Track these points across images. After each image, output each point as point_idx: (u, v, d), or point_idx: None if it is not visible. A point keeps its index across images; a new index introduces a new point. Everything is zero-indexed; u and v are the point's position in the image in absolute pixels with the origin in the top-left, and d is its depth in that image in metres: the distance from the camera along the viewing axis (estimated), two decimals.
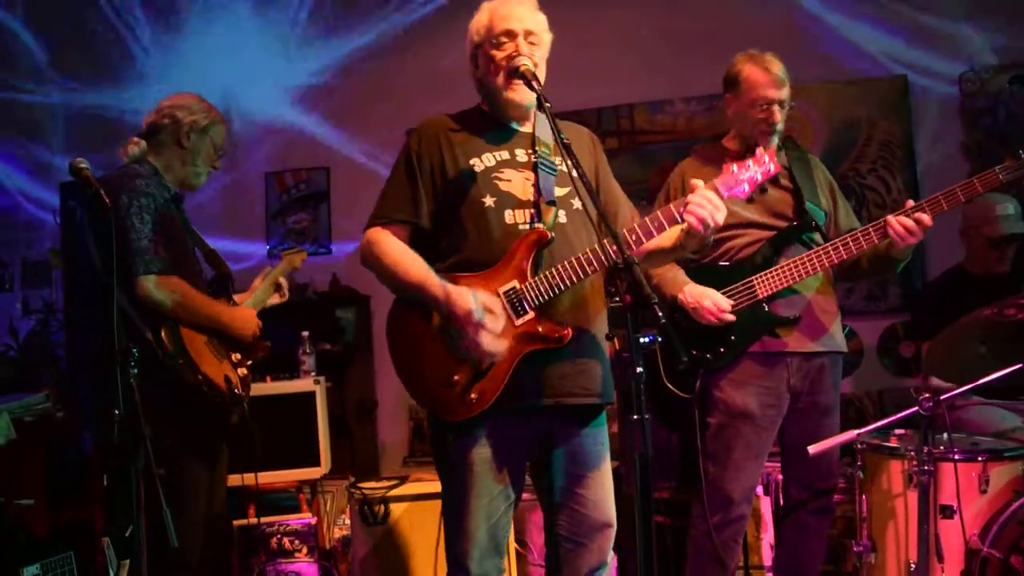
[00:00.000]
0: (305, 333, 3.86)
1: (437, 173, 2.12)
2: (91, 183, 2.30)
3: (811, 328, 2.75)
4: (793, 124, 4.51)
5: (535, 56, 2.09)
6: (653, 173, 4.84)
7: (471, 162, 2.11)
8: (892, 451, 2.66)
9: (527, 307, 2.01)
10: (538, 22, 2.13)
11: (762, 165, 2.00)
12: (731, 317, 2.68)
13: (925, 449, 2.38)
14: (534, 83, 2.00)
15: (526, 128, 2.20)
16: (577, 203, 2.14)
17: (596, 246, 1.99)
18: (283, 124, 5.45)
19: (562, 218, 2.10)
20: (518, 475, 2.12)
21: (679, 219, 1.98)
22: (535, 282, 2.01)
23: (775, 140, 2.81)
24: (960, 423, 3.08)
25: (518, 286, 2.01)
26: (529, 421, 2.08)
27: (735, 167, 2.00)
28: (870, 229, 2.61)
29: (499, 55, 2.09)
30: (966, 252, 3.57)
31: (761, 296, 2.70)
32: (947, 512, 2.51)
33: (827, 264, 2.66)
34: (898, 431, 2.79)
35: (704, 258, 2.82)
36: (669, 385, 2.80)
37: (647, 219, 2.02)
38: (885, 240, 2.61)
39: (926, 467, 2.38)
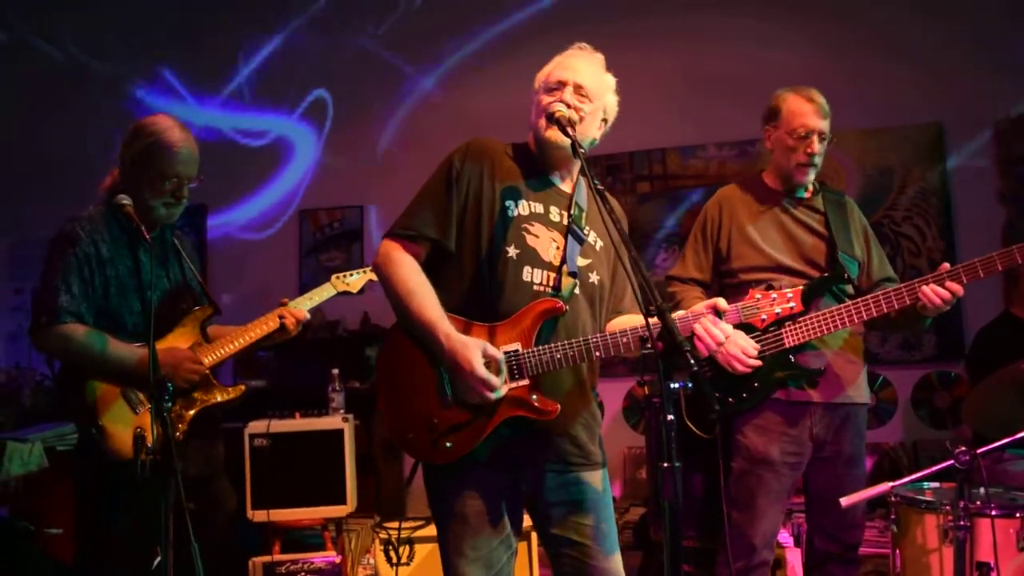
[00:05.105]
0: (335, 370, 3.89)
1: (472, 198, 2.06)
2: (132, 219, 2.37)
3: (836, 379, 2.72)
4: (826, 171, 4.50)
5: (582, 110, 2.07)
6: (685, 217, 4.86)
7: (506, 203, 2.06)
8: (927, 505, 2.59)
9: (524, 374, 1.98)
10: (596, 80, 2.13)
11: (786, 303, 2.03)
12: (757, 363, 2.66)
13: (961, 503, 2.32)
14: (568, 129, 1.99)
15: (565, 186, 2.16)
16: (594, 277, 2.12)
17: (612, 335, 1.97)
18: (318, 162, 5.55)
19: (576, 290, 2.07)
20: (516, 522, 2.07)
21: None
22: (538, 352, 1.98)
23: (812, 174, 2.81)
24: (1000, 477, 3.01)
25: (520, 350, 1.98)
26: (521, 472, 2.04)
27: (759, 295, 2.05)
28: (903, 291, 2.57)
29: (546, 99, 2.08)
30: (1018, 297, 3.47)
31: (789, 345, 2.69)
32: (984, 569, 2.44)
33: (856, 320, 2.63)
34: (933, 484, 2.73)
35: (732, 302, 2.80)
36: (690, 425, 2.78)
37: (683, 316, 2.01)
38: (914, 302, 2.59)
39: (962, 522, 2.32)
